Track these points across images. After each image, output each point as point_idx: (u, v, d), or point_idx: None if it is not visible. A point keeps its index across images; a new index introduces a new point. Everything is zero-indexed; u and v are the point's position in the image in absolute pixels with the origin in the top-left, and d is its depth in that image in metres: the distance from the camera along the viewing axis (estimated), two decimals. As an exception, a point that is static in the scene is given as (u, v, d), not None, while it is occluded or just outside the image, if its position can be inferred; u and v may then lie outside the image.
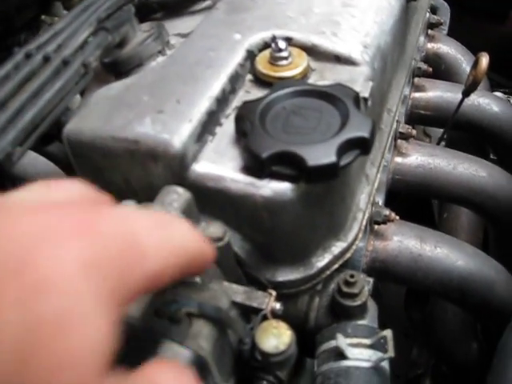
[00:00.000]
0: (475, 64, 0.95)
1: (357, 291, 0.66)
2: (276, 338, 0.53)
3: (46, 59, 0.68)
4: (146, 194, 0.63)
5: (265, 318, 0.56)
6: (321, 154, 0.56)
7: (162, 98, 0.65)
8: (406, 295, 1.29)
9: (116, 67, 0.74)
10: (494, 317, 0.82)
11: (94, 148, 0.64)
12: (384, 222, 0.82)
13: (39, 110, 0.62)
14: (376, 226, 0.83)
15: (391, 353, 0.62)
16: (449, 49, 1.22)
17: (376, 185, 0.78)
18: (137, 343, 0.45)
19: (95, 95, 0.68)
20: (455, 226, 1.15)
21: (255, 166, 0.59)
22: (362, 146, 0.59)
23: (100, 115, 0.65)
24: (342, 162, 0.57)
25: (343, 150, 0.57)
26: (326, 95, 0.63)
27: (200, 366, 0.47)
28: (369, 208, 0.75)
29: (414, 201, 1.26)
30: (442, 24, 1.22)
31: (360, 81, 0.70)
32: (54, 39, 0.71)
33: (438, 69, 1.21)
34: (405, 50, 1.01)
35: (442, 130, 1.09)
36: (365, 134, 0.58)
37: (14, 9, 1.14)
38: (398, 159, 0.96)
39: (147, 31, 0.77)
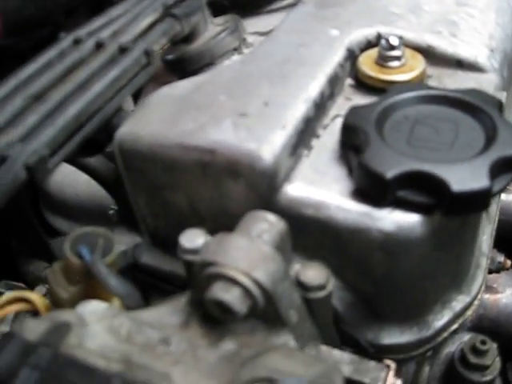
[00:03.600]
0: None
1: (489, 363, 0.49)
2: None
3: (99, 45, 0.54)
4: (216, 222, 0.49)
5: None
6: (469, 177, 0.41)
7: (245, 99, 0.50)
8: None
9: (181, 65, 0.61)
10: None
11: (154, 159, 0.50)
12: (497, 271, 0.66)
13: (85, 105, 0.48)
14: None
15: None
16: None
17: (496, 223, 0.62)
18: None
19: (156, 94, 0.54)
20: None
21: (373, 190, 0.43)
22: (517, 166, 0.43)
23: (163, 118, 0.51)
24: (496, 188, 0.42)
25: (495, 171, 0.42)
26: (460, 103, 0.48)
27: None
28: (491, 252, 0.59)
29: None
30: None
31: (490, 91, 0.55)
32: (110, 25, 0.57)
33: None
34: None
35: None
36: (523, 152, 0.43)
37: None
38: (503, 195, 0.80)
39: (221, 25, 0.63)
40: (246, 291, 0.38)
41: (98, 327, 0.40)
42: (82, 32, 0.57)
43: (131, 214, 0.57)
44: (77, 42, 0.55)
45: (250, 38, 0.66)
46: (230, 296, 0.37)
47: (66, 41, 0.56)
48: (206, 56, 0.60)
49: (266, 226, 0.41)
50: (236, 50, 0.63)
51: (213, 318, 0.40)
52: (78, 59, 0.53)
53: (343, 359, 0.42)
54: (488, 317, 0.67)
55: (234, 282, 0.38)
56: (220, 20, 0.65)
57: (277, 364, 0.35)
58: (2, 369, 0.36)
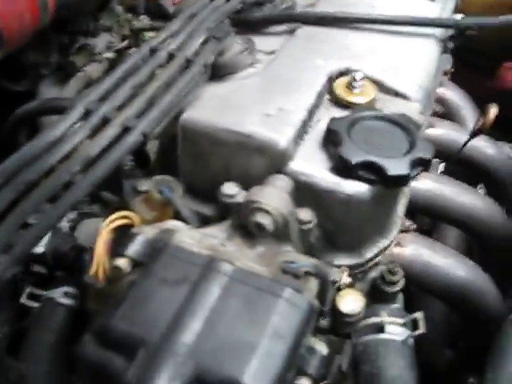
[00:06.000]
0: (484, 112, 1.14)
1: (398, 279, 0.82)
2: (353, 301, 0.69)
3: (171, 56, 0.81)
4: (240, 179, 0.78)
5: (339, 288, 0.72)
6: (398, 167, 0.73)
7: (267, 104, 0.80)
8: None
9: (213, 70, 0.89)
10: (483, 319, 1.00)
11: (206, 135, 0.78)
12: (404, 231, 0.99)
13: (173, 97, 0.75)
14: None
15: (422, 330, 0.78)
16: (453, 94, 1.41)
17: (408, 197, 0.95)
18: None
19: (205, 91, 0.83)
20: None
21: (343, 169, 0.74)
22: (425, 164, 0.76)
23: (213, 110, 0.79)
24: (412, 174, 0.74)
25: (413, 165, 0.74)
26: (396, 122, 0.80)
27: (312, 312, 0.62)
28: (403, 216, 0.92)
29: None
30: (451, 71, 1.41)
31: (414, 113, 0.87)
32: (173, 40, 0.85)
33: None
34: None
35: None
36: (429, 156, 0.75)
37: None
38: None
39: (242, 44, 0.92)
40: (274, 218, 0.68)
41: (185, 233, 0.68)
42: (153, 43, 0.84)
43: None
44: (153, 52, 0.82)
45: (258, 55, 0.95)
46: (265, 220, 0.68)
47: (144, 49, 0.82)
48: (232, 67, 0.88)
49: (285, 183, 0.72)
50: (250, 64, 0.91)
51: (248, 235, 0.70)
52: (156, 66, 0.80)
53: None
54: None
55: (267, 212, 0.68)
56: (240, 40, 0.93)
57: (291, 257, 0.66)
58: (139, 254, 0.64)
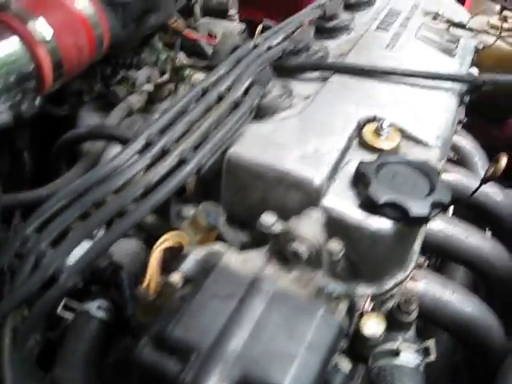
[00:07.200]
0: (495, 161, 1.23)
1: (413, 309, 0.90)
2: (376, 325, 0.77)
3: (220, 97, 0.91)
4: (276, 211, 0.86)
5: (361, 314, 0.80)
6: (419, 208, 0.82)
7: (304, 144, 0.90)
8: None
9: (256, 111, 0.98)
10: (488, 354, 1.08)
11: (248, 170, 0.88)
12: (418, 267, 1.08)
13: (223, 135, 0.85)
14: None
15: (433, 357, 0.86)
16: (466, 143, 1.52)
17: (423, 236, 1.04)
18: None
19: (249, 130, 0.92)
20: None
21: (370, 207, 0.83)
22: (443, 206, 0.85)
23: (255, 147, 0.89)
24: (431, 216, 0.83)
25: (432, 207, 0.83)
26: (419, 168, 0.89)
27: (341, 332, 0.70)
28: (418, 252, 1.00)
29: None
30: (464, 121, 1.51)
31: (434, 160, 0.96)
32: (222, 82, 0.95)
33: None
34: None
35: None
36: (447, 199, 0.85)
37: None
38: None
39: (281, 88, 1.02)
40: (308, 247, 0.77)
41: (230, 255, 0.77)
42: (205, 84, 0.94)
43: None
44: (204, 92, 0.92)
45: (294, 99, 1.05)
46: (301, 249, 0.76)
47: (197, 89, 0.92)
48: (273, 109, 0.98)
49: (317, 216, 0.81)
50: (288, 107, 1.01)
51: (284, 260, 0.79)
52: (207, 105, 0.90)
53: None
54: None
55: (303, 242, 0.77)
56: (279, 84, 1.03)
57: (323, 282, 0.74)
58: (190, 272, 0.73)
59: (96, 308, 0.98)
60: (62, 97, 1.43)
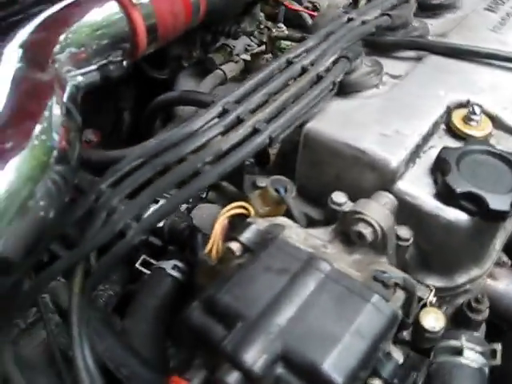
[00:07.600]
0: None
1: (483, 309, 0.86)
2: (435, 320, 0.74)
3: (304, 70, 0.90)
4: (349, 190, 0.84)
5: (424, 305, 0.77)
6: (499, 202, 0.77)
7: (385, 125, 0.87)
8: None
9: (341, 87, 0.96)
10: None
11: (325, 146, 0.86)
12: (499, 265, 1.02)
13: (299, 110, 0.84)
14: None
15: (498, 361, 0.82)
16: None
17: (509, 233, 0.97)
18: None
19: (330, 106, 0.90)
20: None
21: (447, 197, 0.79)
22: (527, 206, 0.79)
23: (335, 124, 0.87)
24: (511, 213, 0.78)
25: (514, 203, 0.78)
26: (506, 160, 0.84)
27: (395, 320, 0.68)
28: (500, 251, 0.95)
29: None
30: None
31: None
32: (308, 55, 0.93)
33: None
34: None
35: None
36: (532, 197, 0.79)
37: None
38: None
39: (370, 66, 0.98)
40: (375, 230, 0.74)
41: (293, 230, 0.77)
42: (290, 55, 0.92)
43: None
44: (289, 63, 0.91)
45: (384, 78, 1.01)
46: (366, 230, 0.74)
47: (281, 60, 0.91)
48: (359, 86, 0.95)
49: (388, 200, 0.78)
50: (375, 86, 0.97)
51: (348, 241, 0.77)
52: (290, 77, 0.88)
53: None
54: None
55: (369, 224, 0.74)
56: (369, 62, 1.00)
57: (384, 267, 0.72)
58: (250, 241, 0.73)
59: (171, 267, 1.02)
60: (164, 61, 1.47)
